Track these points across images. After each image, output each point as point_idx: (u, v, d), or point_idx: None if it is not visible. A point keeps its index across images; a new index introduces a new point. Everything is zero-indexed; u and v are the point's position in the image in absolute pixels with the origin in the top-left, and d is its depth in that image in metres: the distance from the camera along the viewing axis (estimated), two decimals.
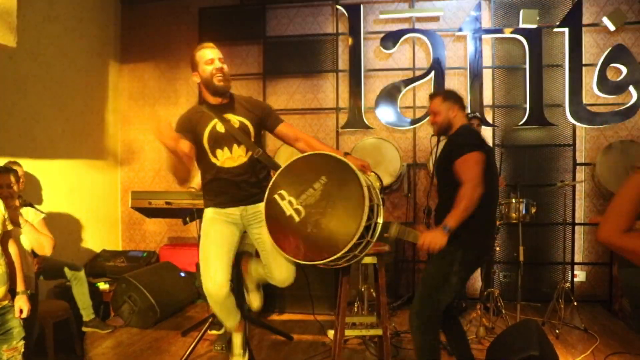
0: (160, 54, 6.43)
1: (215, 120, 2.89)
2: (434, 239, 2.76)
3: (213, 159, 2.91)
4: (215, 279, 2.80)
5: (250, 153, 2.90)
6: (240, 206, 2.92)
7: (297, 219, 2.62)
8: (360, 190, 2.48)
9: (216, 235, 2.89)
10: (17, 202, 3.90)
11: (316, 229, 2.57)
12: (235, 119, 2.91)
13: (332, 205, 2.55)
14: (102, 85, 6.19)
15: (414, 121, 5.73)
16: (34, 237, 3.71)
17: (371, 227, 2.57)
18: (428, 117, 5.61)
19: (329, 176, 2.60)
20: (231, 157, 2.89)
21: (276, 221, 2.69)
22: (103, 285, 5.11)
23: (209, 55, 2.89)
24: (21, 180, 4.32)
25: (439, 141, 4.57)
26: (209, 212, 2.98)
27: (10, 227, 3.27)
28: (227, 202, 2.94)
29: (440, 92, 3.21)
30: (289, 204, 2.65)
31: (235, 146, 2.89)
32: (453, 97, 3.13)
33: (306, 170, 2.67)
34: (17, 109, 4.80)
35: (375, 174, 3.42)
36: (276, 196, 2.69)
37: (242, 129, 2.90)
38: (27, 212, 3.82)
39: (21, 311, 2.95)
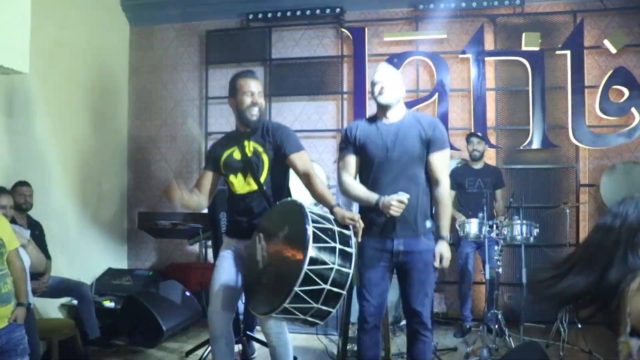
0: (168, 75, 6.54)
1: (235, 148, 2.94)
2: (447, 253, 2.88)
3: (229, 184, 2.97)
4: (213, 309, 2.88)
5: (257, 185, 2.89)
6: (244, 239, 2.87)
7: (260, 265, 2.52)
8: (302, 253, 2.25)
9: (222, 273, 2.91)
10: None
11: (268, 281, 2.46)
12: (251, 147, 2.91)
13: (284, 259, 2.39)
14: (110, 107, 6.29)
15: None
16: (35, 254, 3.81)
17: (330, 276, 2.30)
18: None
19: (290, 227, 2.44)
20: (243, 184, 2.92)
21: (250, 260, 2.64)
22: (109, 304, 5.15)
23: (251, 88, 2.88)
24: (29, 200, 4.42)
25: None
26: (224, 240, 3.05)
27: (17, 244, 3.36)
28: (234, 233, 2.98)
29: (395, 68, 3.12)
30: (261, 248, 2.54)
31: (248, 174, 2.90)
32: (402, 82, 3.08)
33: (281, 216, 2.57)
34: (27, 130, 4.89)
35: None
36: (257, 237, 2.61)
37: (255, 157, 2.90)
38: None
39: (15, 320, 3.06)
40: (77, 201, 5.59)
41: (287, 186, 3.04)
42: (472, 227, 4.67)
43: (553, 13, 5.72)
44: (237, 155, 2.93)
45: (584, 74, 5.53)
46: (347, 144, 3.04)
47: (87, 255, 5.72)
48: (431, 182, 2.95)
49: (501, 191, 5.23)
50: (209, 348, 4.15)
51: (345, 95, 6.07)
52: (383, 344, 3.89)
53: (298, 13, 6.05)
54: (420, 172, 2.92)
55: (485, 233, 4.55)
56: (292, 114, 6.22)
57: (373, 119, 3.05)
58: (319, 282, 2.25)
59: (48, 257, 4.50)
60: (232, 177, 2.94)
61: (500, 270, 4.65)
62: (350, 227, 2.50)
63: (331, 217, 2.49)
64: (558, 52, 5.62)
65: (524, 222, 4.54)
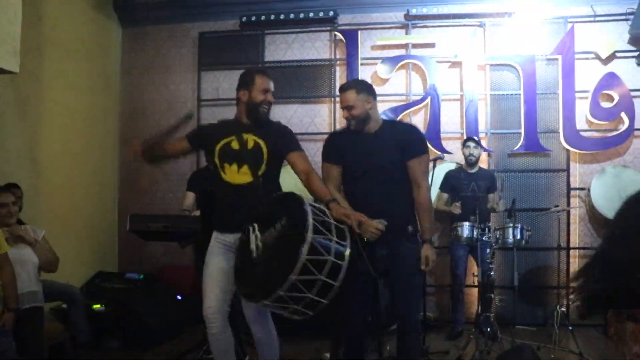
0: (160, 77, 6.51)
1: (233, 137, 2.94)
2: (433, 256, 2.90)
3: (221, 174, 2.95)
4: (208, 306, 2.91)
5: (254, 177, 2.91)
6: (236, 233, 2.85)
7: (254, 254, 2.56)
8: (301, 241, 2.31)
9: (213, 267, 2.94)
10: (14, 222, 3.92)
11: (263, 270, 2.50)
12: (252, 140, 2.94)
13: (282, 248, 2.45)
14: (102, 107, 6.24)
15: None
16: (45, 255, 3.76)
17: (326, 267, 2.37)
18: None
19: (288, 218, 2.51)
20: (238, 174, 2.91)
21: (242, 249, 2.68)
22: (99, 307, 5.09)
23: (268, 86, 2.96)
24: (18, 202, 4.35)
25: (434, 166, 4.67)
26: (213, 236, 3.02)
27: (7, 249, 3.32)
28: (225, 226, 2.95)
29: (352, 84, 3.08)
30: (254, 238, 2.59)
31: (244, 166, 2.90)
32: (367, 89, 3.01)
33: (279, 207, 2.62)
34: (17, 130, 4.84)
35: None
36: (250, 227, 2.65)
37: (255, 150, 2.92)
38: (26, 230, 3.85)
39: (4, 325, 3.05)
40: (67, 203, 5.53)
41: (279, 182, 3.07)
42: (465, 230, 4.70)
43: (544, 19, 5.76)
44: (235, 145, 2.94)
45: (575, 79, 5.58)
46: (329, 154, 3.08)
47: (77, 258, 5.65)
48: (412, 185, 2.99)
49: (494, 195, 5.26)
50: (202, 352, 4.14)
51: (337, 99, 6.06)
52: (375, 345, 3.90)
53: (291, 16, 6.05)
54: (401, 179, 2.96)
55: (477, 236, 4.57)
56: (284, 116, 6.19)
57: (352, 129, 3.06)
58: (315, 272, 2.32)
59: None
60: (226, 166, 2.93)
61: (492, 273, 4.68)
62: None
63: (327, 211, 2.56)
64: (549, 57, 5.67)
65: (516, 225, 4.57)
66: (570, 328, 4.65)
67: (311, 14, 6.03)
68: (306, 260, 2.29)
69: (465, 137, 5.47)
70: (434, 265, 2.97)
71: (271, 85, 2.99)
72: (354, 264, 2.72)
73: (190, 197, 4.82)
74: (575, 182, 5.66)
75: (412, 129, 3.14)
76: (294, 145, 2.98)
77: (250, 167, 2.88)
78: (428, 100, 5.80)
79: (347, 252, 2.44)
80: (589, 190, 5.46)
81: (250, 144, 2.93)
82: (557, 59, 5.64)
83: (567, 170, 5.64)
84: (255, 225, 2.62)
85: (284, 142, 2.96)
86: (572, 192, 5.64)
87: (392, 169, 2.94)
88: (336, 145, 3.06)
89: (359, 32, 5.96)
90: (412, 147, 2.96)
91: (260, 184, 2.86)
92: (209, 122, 6.11)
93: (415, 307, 3.03)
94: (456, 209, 4.96)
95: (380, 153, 2.93)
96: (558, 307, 4.74)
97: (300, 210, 2.42)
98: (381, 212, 2.82)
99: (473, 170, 5.23)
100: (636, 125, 5.48)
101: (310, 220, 2.35)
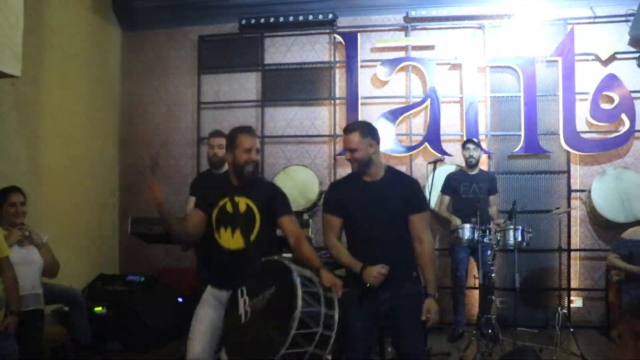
0: (160, 80, 6.52)
1: (227, 200, 2.93)
2: (434, 308, 2.83)
3: (216, 236, 2.93)
4: (193, 354, 2.87)
5: (246, 243, 2.89)
6: (227, 290, 2.82)
7: (242, 320, 2.55)
8: (290, 318, 2.29)
9: (204, 318, 2.91)
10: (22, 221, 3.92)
11: (251, 338, 2.48)
12: (244, 203, 2.92)
13: (271, 319, 2.43)
14: (102, 110, 6.25)
15: (410, 148, 5.80)
16: (50, 259, 3.76)
17: (314, 339, 2.36)
18: (423, 145, 5.75)
19: (277, 288, 2.48)
20: (232, 239, 2.89)
21: (230, 314, 2.67)
22: (101, 310, 5.09)
23: (250, 145, 2.92)
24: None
25: (434, 168, 4.67)
26: (207, 289, 3.00)
27: (8, 253, 3.32)
28: (221, 284, 2.92)
29: (358, 126, 3.02)
30: (243, 302, 2.57)
31: (238, 230, 2.89)
32: (371, 133, 2.98)
33: (266, 274, 2.59)
34: (17, 134, 4.85)
35: None
36: (239, 290, 2.63)
37: (247, 214, 2.90)
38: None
39: (7, 328, 3.06)
40: (68, 206, 5.53)
41: (273, 243, 3.06)
42: (466, 232, 4.70)
43: (544, 21, 5.76)
44: (229, 208, 2.93)
45: (575, 80, 5.58)
46: (330, 205, 3.05)
47: (78, 260, 5.65)
48: (414, 240, 2.96)
49: (495, 197, 5.26)
50: None
51: (337, 101, 6.08)
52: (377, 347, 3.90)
53: (291, 19, 6.06)
54: (403, 229, 2.95)
55: (478, 238, 4.57)
56: (285, 119, 6.22)
57: (355, 177, 3.04)
58: (303, 344, 2.33)
59: None
60: (221, 230, 2.92)
61: (493, 275, 4.67)
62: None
63: (316, 279, 2.53)
64: (549, 59, 5.67)
65: (517, 227, 4.57)
66: (571, 330, 4.64)
67: (310, 17, 6.04)
68: (295, 333, 2.29)
69: (465, 139, 5.47)
70: (435, 318, 2.85)
71: (255, 143, 2.96)
72: (359, 305, 2.77)
73: (193, 201, 4.82)
74: (575, 184, 5.66)
75: (415, 183, 3.13)
76: (286, 210, 2.96)
77: (242, 232, 2.88)
78: (428, 102, 5.80)
79: (336, 322, 2.43)
80: (589, 192, 5.45)
81: (242, 208, 2.91)
82: (557, 61, 5.64)
83: (568, 172, 5.64)
84: (244, 289, 2.61)
85: (276, 206, 2.94)
86: (573, 194, 5.64)
87: (395, 219, 2.93)
88: (338, 197, 3.03)
89: (359, 34, 5.98)
90: (415, 202, 2.96)
91: (253, 249, 2.85)
92: (210, 125, 6.24)
93: (420, 348, 2.99)
94: (455, 220, 4.98)
95: (383, 203, 2.92)
96: (559, 308, 4.73)
97: (289, 280, 2.41)
98: (384, 260, 2.80)
99: (473, 172, 5.23)
100: (637, 127, 5.48)
101: (300, 294, 2.34)
